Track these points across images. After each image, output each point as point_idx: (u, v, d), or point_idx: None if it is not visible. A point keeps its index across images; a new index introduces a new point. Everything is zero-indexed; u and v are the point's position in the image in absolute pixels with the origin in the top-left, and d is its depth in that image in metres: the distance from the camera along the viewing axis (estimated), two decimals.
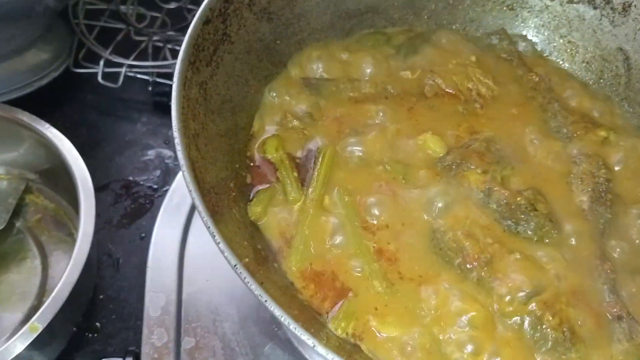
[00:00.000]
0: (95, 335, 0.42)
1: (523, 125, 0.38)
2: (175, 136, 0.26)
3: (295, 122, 0.36)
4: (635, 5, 0.38)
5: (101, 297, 0.44)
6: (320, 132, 0.36)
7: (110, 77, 0.55)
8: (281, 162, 0.33)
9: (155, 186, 0.51)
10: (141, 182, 0.51)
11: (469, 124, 0.37)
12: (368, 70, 0.39)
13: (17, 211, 0.47)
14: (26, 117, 0.44)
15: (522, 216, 0.32)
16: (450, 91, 0.39)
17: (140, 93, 0.57)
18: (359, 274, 0.30)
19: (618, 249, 0.32)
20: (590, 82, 0.41)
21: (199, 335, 0.36)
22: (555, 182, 0.35)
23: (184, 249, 0.41)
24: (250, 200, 0.32)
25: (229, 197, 0.29)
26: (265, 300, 0.23)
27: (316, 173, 0.33)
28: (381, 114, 0.37)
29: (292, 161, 0.34)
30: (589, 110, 0.39)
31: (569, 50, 0.42)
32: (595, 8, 0.40)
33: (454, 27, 0.43)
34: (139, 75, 0.55)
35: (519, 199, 0.33)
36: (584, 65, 0.41)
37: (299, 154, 0.35)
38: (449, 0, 0.42)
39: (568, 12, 0.41)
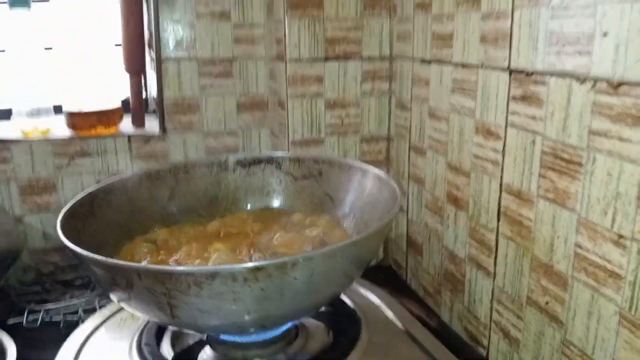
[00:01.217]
0: None
1: (279, 234, 0.66)
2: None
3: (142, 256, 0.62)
4: (322, 172, 0.72)
5: None
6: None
7: (32, 322, 0.77)
8: None
9: None
10: None
11: (245, 241, 0.65)
12: (188, 231, 0.68)
13: None
14: None
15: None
16: (235, 231, 0.68)
17: (54, 330, 0.78)
18: None
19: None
20: (314, 213, 0.71)
21: None
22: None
23: None
24: None
25: None
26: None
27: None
28: (193, 244, 0.64)
29: None
30: (313, 224, 0.68)
31: (304, 204, 0.73)
32: (307, 178, 0.73)
33: (240, 209, 0.74)
34: (53, 318, 0.79)
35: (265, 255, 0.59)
36: (312, 207, 0.72)
37: None
38: (233, 198, 0.74)
39: (298, 185, 0.74)
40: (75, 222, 0.58)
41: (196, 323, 0.50)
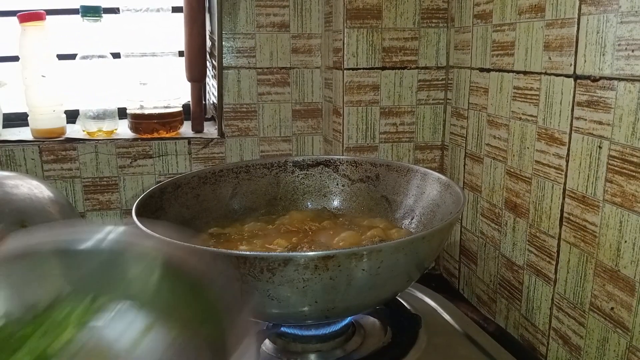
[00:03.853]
0: None
1: (335, 235, 0.67)
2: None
3: None
4: (379, 176, 0.73)
5: None
6: None
7: None
8: None
9: None
10: None
11: (305, 239, 0.66)
12: (249, 227, 0.70)
13: None
14: None
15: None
16: (295, 229, 0.69)
17: None
18: None
19: None
20: (370, 215, 0.72)
21: None
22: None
23: None
24: None
25: None
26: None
27: None
28: (256, 239, 0.65)
29: None
30: (370, 225, 0.69)
31: (361, 206, 0.74)
32: (364, 181, 0.74)
33: (297, 209, 0.75)
34: None
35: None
36: (368, 209, 0.73)
37: None
38: (291, 199, 0.76)
39: (355, 188, 0.75)
40: (147, 214, 0.61)
41: (264, 310, 0.51)
